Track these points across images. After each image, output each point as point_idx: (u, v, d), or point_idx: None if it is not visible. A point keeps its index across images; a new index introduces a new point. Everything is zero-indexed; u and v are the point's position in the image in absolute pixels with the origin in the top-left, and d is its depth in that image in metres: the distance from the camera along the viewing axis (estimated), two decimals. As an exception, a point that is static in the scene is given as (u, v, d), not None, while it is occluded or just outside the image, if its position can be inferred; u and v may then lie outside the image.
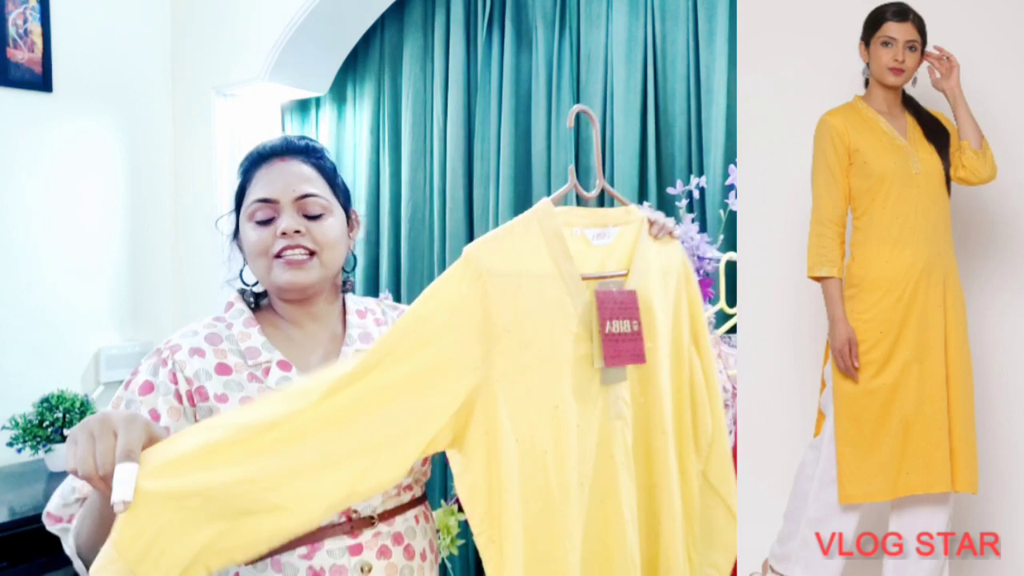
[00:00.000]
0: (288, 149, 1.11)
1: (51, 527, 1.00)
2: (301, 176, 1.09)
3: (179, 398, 1.02)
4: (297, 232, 1.05)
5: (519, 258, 0.96)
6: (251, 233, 1.08)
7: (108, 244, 2.88)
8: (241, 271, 1.18)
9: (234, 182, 1.16)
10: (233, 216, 1.16)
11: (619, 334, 0.97)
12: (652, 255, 1.06)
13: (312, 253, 1.06)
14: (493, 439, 0.91)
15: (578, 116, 2.44)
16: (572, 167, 1.03)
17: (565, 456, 0.95)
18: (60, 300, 2.73)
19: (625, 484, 0.99)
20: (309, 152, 1.13)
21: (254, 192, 1.09)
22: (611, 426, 0.98)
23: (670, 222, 1.09)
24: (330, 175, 1.13)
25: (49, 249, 2.71)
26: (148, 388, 1.02)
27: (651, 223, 1.07)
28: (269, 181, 1.08)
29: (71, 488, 0.98)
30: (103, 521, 0.86)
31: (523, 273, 0.96)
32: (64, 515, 0.99)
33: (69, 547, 0.97)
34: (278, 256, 1.05)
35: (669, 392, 1.05)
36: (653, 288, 1.05)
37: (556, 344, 0.96)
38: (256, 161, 1.12)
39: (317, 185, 1.10)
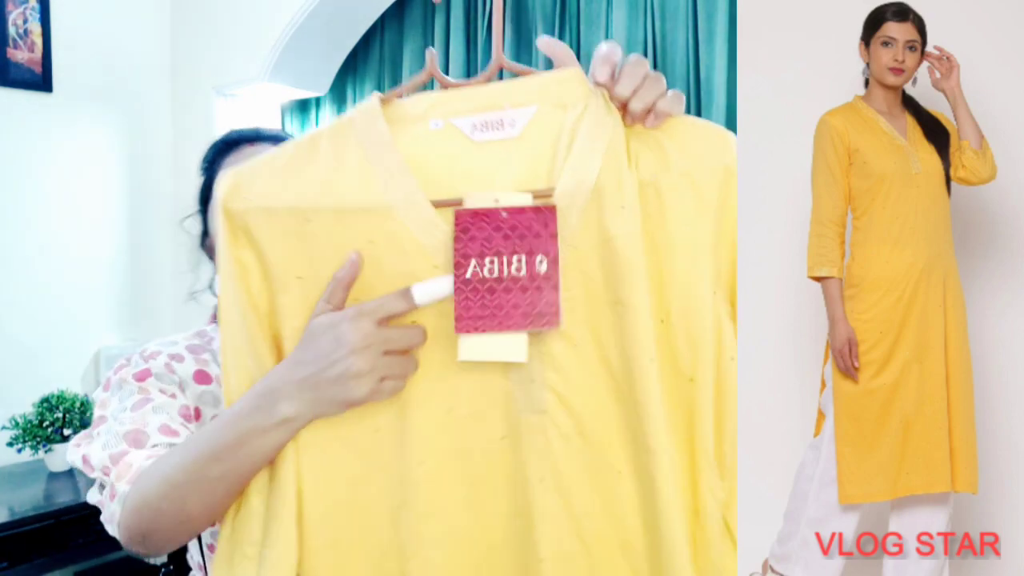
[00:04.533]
0: (259, 136, 1.02)
1: (88, 472, 0.85)
2: None
3: (181, 388, 0.92)
4: None
5: (311, 184, 0.65)
6: None
7: (108, 244, 2.88)
8: (211, 282, 1.06)
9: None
10: (199, 218, 1.05)
11: (497, 280, 0.62)
12: (624, 155, 0.64)
13: None
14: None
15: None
16: (432, 49, 0.69)
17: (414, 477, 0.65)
18: (60, 300, 2.73)
19: (551, 521, 0.64)
20: (281, 141, 1.00)
21: None
22: (522, 423, 0.64)
23: (665, 98, 0.65)
24: None
25: (49, 249, 2.71)
26: (146, 374, 0.91)
27: (622, 102, 0.65)
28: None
29: (117, 436, 0.83)
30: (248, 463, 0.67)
31: (316, 209, 0.65)
32: (108, 464, 0.82)
33: (119, 507, 0.79)
34: None
35: (656, 380, 0.63)
36: (617, 211, 0.63)
37: None
38: (222, 149, 1.01)
39: None
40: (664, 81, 0.65)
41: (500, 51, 0.66)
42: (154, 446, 0.83)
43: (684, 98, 0.66)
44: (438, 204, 0.63)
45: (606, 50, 0.66)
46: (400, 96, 0.68)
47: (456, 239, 0.62)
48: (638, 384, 0.63)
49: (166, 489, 0.72)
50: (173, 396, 0.91)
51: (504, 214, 0.62)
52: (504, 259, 0.62)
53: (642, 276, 0.63)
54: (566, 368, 0.64)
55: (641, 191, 0.64)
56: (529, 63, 2.54)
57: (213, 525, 0.73)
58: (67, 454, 0.88)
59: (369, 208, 0.64)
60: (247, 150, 0.99)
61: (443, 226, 0.63)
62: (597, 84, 0.66)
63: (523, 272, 0.62)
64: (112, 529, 0.82)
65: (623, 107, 0.65)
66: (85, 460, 0.85)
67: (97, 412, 0.93)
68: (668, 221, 0.64)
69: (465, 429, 0.65)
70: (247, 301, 0.66)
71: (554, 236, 0.62)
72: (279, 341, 0.67)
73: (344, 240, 0.64)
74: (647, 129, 0.65)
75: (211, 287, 1.07)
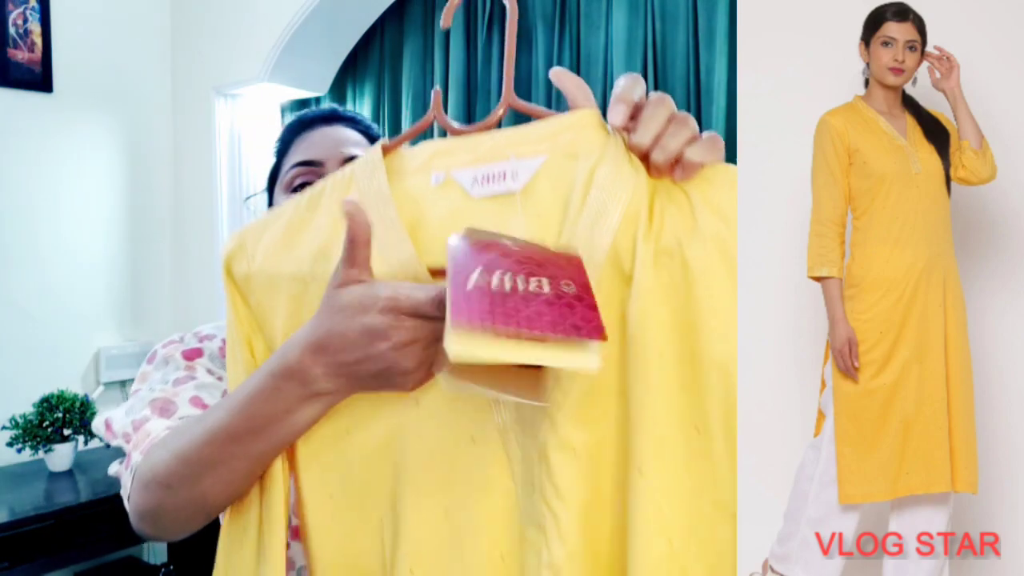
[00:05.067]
0: (335, 115, 0.97)
1: (110, 439, 0.81)
2: (350, 140, 0.93)
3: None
4: None
5: (311, 247, 0.61)
6: None
7: (108, 244, 2.88)
8: None
9: (237, 179, 1.06)
10: (266, 199, 1.00)
11: (511, 291, 0.47)
12: (644, 217, 0.54)
13: None
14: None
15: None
16: (437, 88, 0.62)
17: None
18: (60, 300, 2.73)
19: None
20: (358, 121, 0.98)
21: (293, 157, 0.93)
22: (525, 537, 0.55)
23: (695, 145, 0.55)
24: None
25: (49, 249, 2.71)
26: (196, 354, 0.87)
27: (642, 151, 0.55)
28: (311, 143, 0.93)
29: (143, 402, 0.80)
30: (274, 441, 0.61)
31: (314, 276, 0.60)
32: (129, 431, 0.78)
33: (131, 479, 0.73)
34: None
35: (646, 501, 0.51)
36: (627, 287, 0.53)
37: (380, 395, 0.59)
38: (296, 129, 0.97)
39: None
40: (693, 123, 0.56)
41: (511, 90, 0.59)
42: (181, 418, 0.78)
43: (721, 143, 0.56)
44: (434, 272, 0.57)
45: (623, 86, 0.56)
46: (405, 141, 0.63)
47: (451, 260, 0.49)
48: (628, 504, 0.51)
49: (177, 466, 0.66)
50: (220, 379, 0.86)
51: (511, 244, 0.50)
52: (518, 276, 0.48)
53: (653, 369, 0.51)
54: (561, 480, 0.52)
55: (665, 261, 0.53)
56: (528, 65, 2.54)
57: (229, 506, 0.68)
58: (93, 421, 0.85)
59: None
60: (323, 130, 0.95)
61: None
62: (614, 127, 0.56)
63: (545, 289, 0.48)
64: (127, 505, 0.76)
65: (645, 157, 0.55)
66: (108, 425, 0.81)
67: (135, 385, 0.88)
68: (698, 301, 0.53)
69: (462, 539, 0.55)
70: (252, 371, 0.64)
71: (580, 267, 0.49)
72: None
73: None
74: (676, 182, 0.55)
75: None
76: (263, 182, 1.02)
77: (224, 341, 0.89)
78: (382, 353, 0.55)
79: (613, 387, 0.53)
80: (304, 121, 0.97)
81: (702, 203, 0.54)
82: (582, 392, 0.53)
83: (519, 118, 0.60)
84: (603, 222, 0.53)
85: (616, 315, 0.53)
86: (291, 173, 0.92)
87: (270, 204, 0.98)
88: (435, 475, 0.57)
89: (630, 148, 0.55)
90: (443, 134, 0.64)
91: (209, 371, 0.85)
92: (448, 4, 0.60)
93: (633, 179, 0.54)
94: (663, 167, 0.55)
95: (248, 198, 1.05)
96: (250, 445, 0.61)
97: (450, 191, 0.58)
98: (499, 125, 0.60)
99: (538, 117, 0.59)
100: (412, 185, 0.60)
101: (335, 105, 1.02)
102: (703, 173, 0.55)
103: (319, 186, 0.63)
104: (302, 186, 0.89)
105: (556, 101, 2.45)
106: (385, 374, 0.56)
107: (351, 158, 0.89)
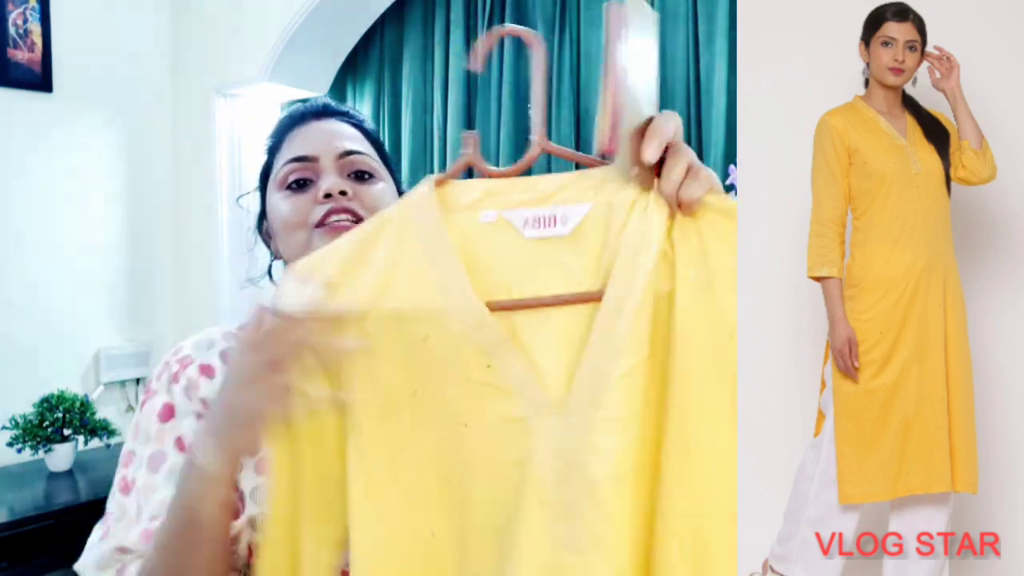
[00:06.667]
0: (327, 109, 0.94)
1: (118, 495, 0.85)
2: (344, 134, 0.90)
3: (199, 417, 0.84)
4: (343, 194, 0.84)
5: (370, 281, 0.62)
6: (283, 203, 0.87)
7: (108, 244, 2.88)
8: (270, 268, 0.99)
9: (237, 179, 1.04)
10: (257, 198, 0.96)
11: None
12: (687, 251, 0.61)
13: (360, 221, 0.82)
14: None
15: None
16: (469, 133, 0.65)
17: None
18: (60, 300, 2.73)
19: None
20: (351, 115, 0.95)
21: (286, 153, 0.90)
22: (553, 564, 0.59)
23: (697, 181, 0.62)
24: (377, 142, 0.95)
25: (49, 249, 2.71)
26: (168, 413, 0.85)
27: (669, 190, 0.61)
28: (305, 139, 0.89)
29: (108, 544, 0.86)
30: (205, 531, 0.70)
31: (372, 309, 0.62)
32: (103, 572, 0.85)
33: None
34: (320, 225, 0.84)
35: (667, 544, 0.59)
36: (692, 331, 0.60)
37: (439, 445, 0.61)
38: (288, 124, 0.93)
39: (364, 146, 0.91)
40: (689, 153, 0.63)
41: (543, 134, 0.63)
42: (171, 470, 0.81)
43: (710, 176, 0.63)
44: (492, 306, 0.60)
45: (660, 126, 0.62)
46: (454, 176, 0.66)
47: None
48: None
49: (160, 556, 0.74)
50: (198, 405, 0.84)
51: None
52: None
53: (703, 383, 0.61)
54: (612, 507, 0.58)
55: (691, 284, 0.61)
56: (529, 63, 2.53)
57: None
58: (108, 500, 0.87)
59: (424, 309, 0.61)
60: (315, 124, 0.92)
61: (496, 327, 0.59)
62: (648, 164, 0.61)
63: None
64: None
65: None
66: (123, 490, 0.84)
67: (127, 446, 0.86)
68: (718, 312, 0.62)
69: (505, 562, 0.59)
70: None
71: None
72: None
73: (397, 339, 0.62)
74: (681, 221, 0.62)
75: (269, 273, 1.00)
76: (262, 181, 1.01)
77: (201, 368, 0.86)
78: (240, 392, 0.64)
79: (657, 426, 0.59)
80: (295, 116, 0.94)
81: (710, 232, 0.62)
82: (634, 434, 0.58)
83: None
84: (640, 259, 0.60)
85: (661, 334, 0.60)
86: (285, 170, 0.89)
87: (263, 202, 0.95)
88: (485, 495, 0.60)
89: (659, 191, 0.62)
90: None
91: (178, 439, 0.84)
92: (477, 47, 0.65)
93: (660, 220, 0.61)
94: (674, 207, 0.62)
95: (240, 197, 1.03)
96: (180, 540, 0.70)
97: (503, 230, 0.63)
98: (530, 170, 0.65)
99: (567, 158, 0.67)
100: (463, 220, 0.64)
101: (327, 99, 0.99)
102: (706, 203, 0.62)
103: (381, 216, 0.66)
104: (297, 183, 0.87)
105: (556, 102, 2.45)
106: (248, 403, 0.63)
107: (346, 153, 0.88)
